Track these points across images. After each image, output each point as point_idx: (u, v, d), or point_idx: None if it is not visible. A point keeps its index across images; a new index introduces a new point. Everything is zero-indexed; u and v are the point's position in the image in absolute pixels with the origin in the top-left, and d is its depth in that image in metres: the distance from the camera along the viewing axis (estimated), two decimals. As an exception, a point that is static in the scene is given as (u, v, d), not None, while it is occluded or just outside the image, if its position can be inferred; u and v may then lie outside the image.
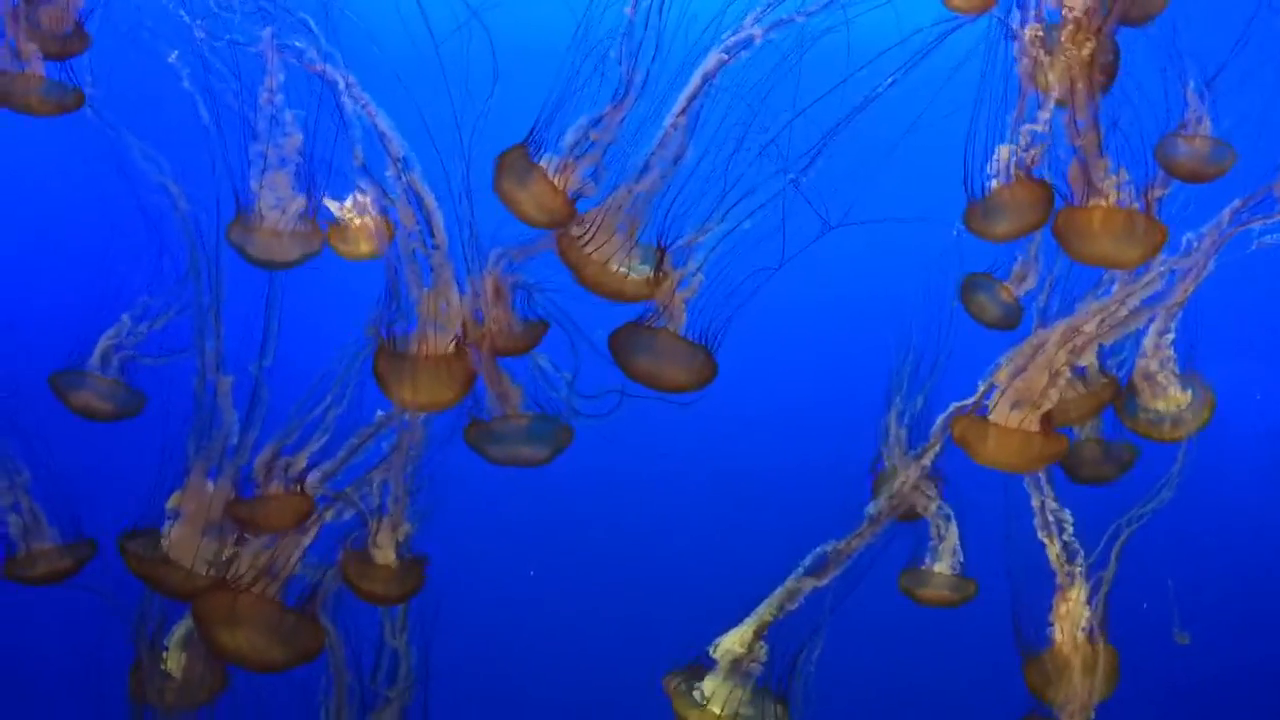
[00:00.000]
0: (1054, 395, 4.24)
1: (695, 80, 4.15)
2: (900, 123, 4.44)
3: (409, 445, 4.48)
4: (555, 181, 4.10)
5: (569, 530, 6.22)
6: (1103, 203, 4.11)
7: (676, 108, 4.16)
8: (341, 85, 4.18)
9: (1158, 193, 4.24)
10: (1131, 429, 4.62)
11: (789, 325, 5.49)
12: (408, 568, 4.57)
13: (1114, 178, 4.11)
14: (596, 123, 4.12)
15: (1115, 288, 4.41)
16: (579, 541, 6.22)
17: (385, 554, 4.52)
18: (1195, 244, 4.44)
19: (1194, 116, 4.38)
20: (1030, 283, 4.68)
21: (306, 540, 4.39)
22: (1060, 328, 4.35)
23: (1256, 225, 4.45)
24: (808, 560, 4.51)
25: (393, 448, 4.50)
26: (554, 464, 4.48)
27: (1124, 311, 4.37)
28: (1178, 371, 4.57)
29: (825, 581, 4.48)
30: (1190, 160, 4.37)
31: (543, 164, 4.10)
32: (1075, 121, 4.11)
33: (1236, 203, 4.44)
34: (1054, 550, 4.55)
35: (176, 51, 4.22)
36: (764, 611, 4.45)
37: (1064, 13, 4.12)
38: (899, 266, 4.91)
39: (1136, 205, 4.13)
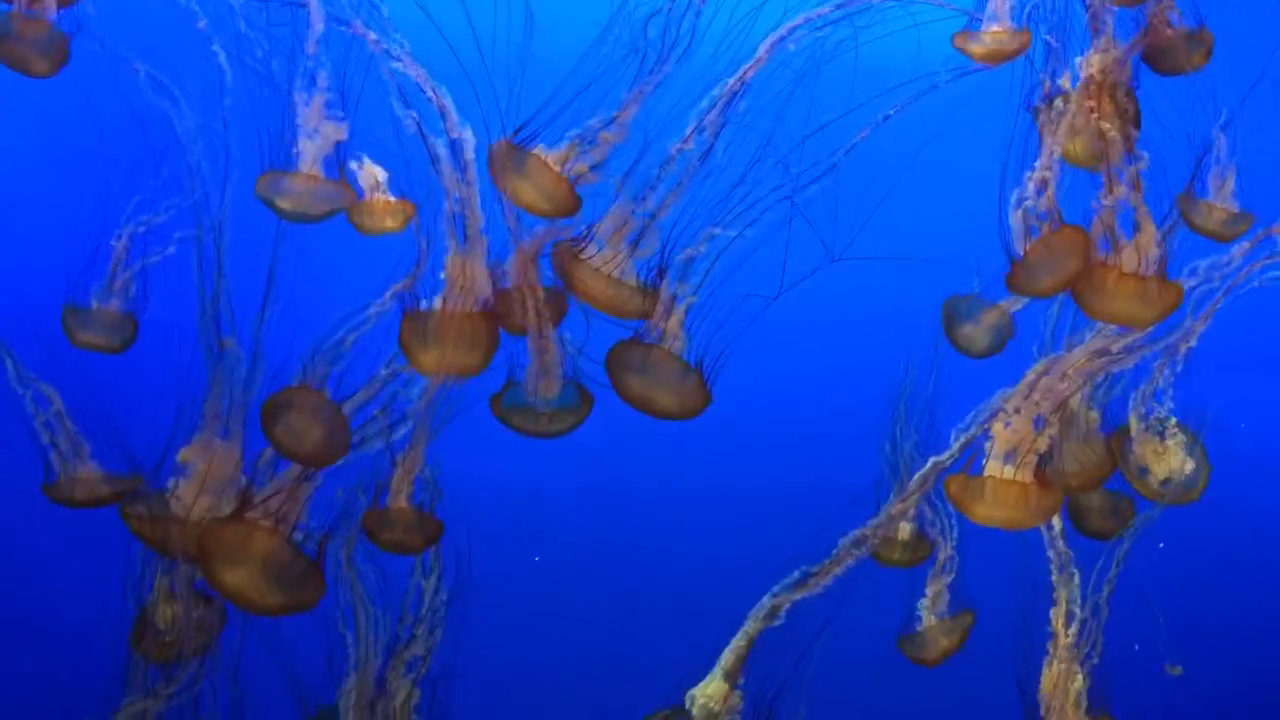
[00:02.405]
0: (1044, 443, 4.19)
1: (727, 88, 4.12)
2: (920, 158, 4.41)
3: (431, 391, 4.43)
4: (556, 167, 4.06)
5: (572, 523, 6.22)
6: (1119, 262, 4.06)
7: (691, 126, 4.14)
8: (371, 40, 4.14)
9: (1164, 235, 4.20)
10: (1129, 482, 4.57)
11: (789, 350, 5.46)
12: (425, 514, 4.52)
13: (1144, 234, 4.07)
14: (609, 123, 4.10)
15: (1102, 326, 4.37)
16: (582, 534, 6.23)
17: (401, 499, 4.46)
18: (1199, 280, 4.41)
19: (1216, 176, 4.32)
20: (1020, 302, 4.65)
21: (314, 484, 4.33)
22: (1053, 368, 4.29)
23: (1257, 267, 4.42)
24: (768, 596, 4.48)
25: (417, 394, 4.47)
26: (557, 468, 4.44)
27: (1117, 347, 4.33)
28: (1176, 431, 4.51)
29: (795, 597, 4.44)
30: (1211, 226, 4.33)
31: (539, 150, 4.06)
32: (1116, 174, 4.06)
33: (1245, 244, 4.40)
34: (1060, 609, 4.52)
35: (205, 20, 4.19)
36: (729, 656, 4.42)
37: (1080, 69, 4.10)
38: (902, 296, 4.89)
39: (1152, 268, 4.08)
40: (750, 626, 4.44)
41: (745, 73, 4.10)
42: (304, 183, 4.16)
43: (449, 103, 4.13)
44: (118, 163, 4.54)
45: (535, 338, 4.24)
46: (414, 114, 4.11)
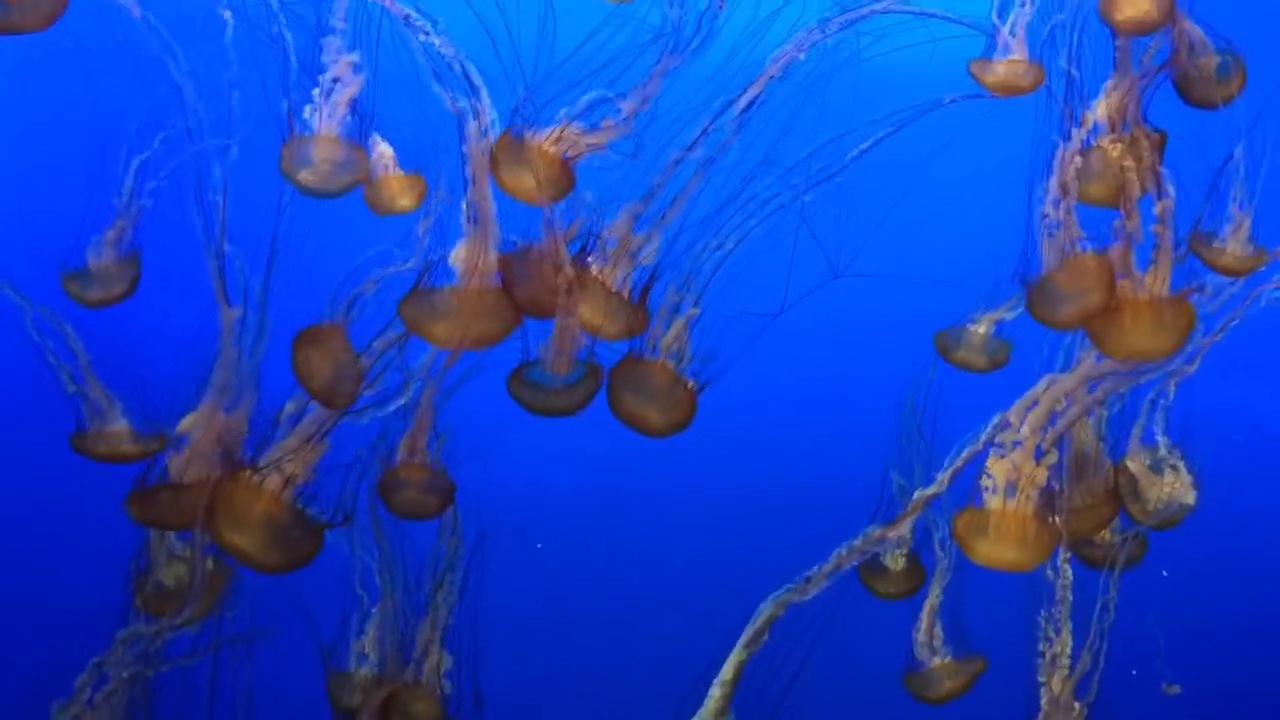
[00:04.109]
0: (1044, 474, 4.12)
1: (736, 103, 4.08)
2: (927, 174, 4.37)
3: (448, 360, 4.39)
4: (550, 151, 4.03)
5: (575, 525, 6.25)
6: (1129, 297, 4.02)
7: (696, 136, 4.11)
8: (401, 14, 4.08)
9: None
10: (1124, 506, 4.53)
11: (791, 364, 5.43)
12: (438, 472, 4.50)
13: (1161, 269, 4.01)
14: (607, 100, 4.06)
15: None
16: (584, 535, 6.26)
17: (411, 459, 4.45)
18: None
19: (1235, 218, 4.27)
20: (1003, 311, 4.62)
21: (323, 448, 4.27)
22: (1052, 389, 4.22)
23: (1270, 287, 4.38)
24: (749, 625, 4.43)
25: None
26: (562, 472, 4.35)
27: (1109, 367, 4.27)
28: (1179, 464, 4.47)
29: (775, 616, 4.40)
30: (1229, 263, 4.28)
31: (530, 138, 4.03)
32: (1136, 208, 4.01)
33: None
34: (1060, 648, 4.48)
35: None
36: (717, 691, 4.36)
37: (1098, 109, 4.05)
38: (906, 312, 4.86)
39: (1162, 294, 4.03)
40: (736, 655, 4.38)
41: (753, 88, 4.06)
42: (324, 150, 4.14)
43: (479, 79, 4.09)
44: (120, 120, 4.49)
45: (563, 316, 4.17)
46: (454, 98, 4.09)
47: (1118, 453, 4.50)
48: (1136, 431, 4.49)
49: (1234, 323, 4.42)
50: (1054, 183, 4.00)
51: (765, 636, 4.35)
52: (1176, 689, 5.02)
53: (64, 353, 4.53)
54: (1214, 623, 6.10)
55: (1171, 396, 4.50)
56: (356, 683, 4.59)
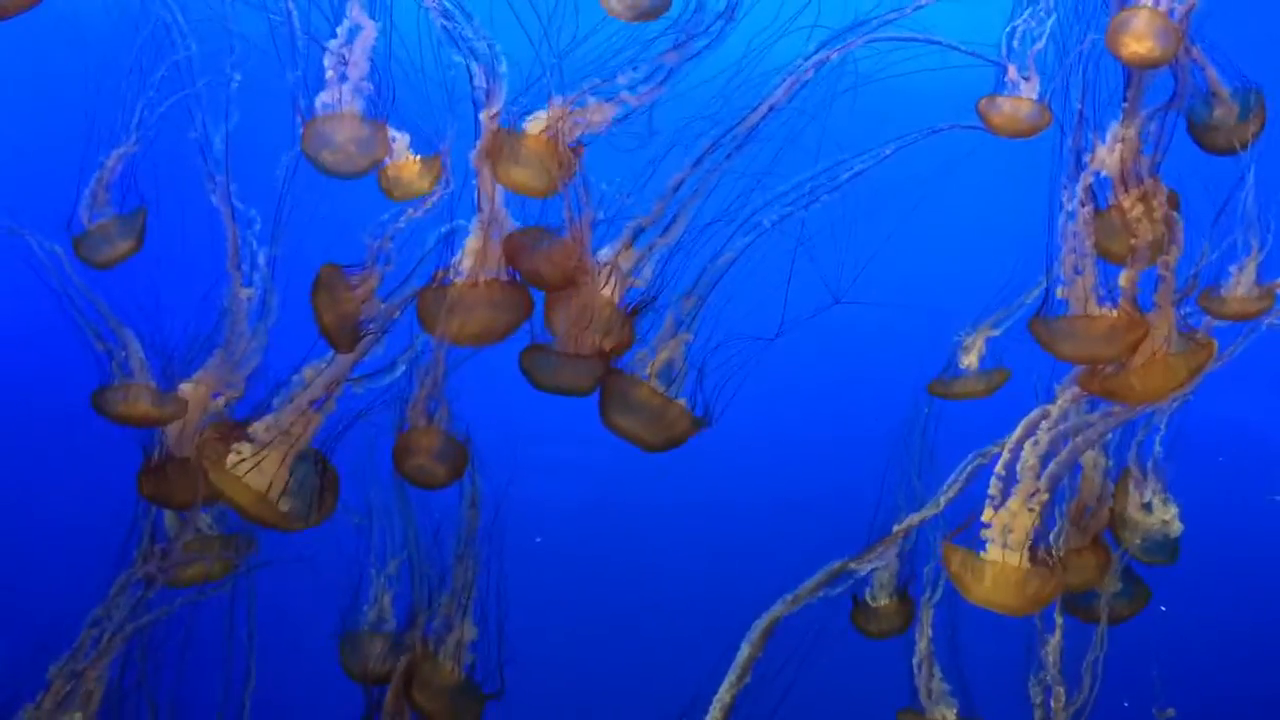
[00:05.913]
0: (1035, 521, 4.07)
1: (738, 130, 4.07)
2: (931, 199, 4.35)
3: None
4: (547, 139, 4.01)
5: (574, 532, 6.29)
6: (1138, 360, 3.99)
7: (696, 157, 4.10)
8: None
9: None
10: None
11: (788, 388, 5.42)
12: (449, 437, 4.48)
13: (1164, 318, 3.99)
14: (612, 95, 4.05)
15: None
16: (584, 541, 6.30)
17: (420, 425, 4.43)
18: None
19: (1243, 263, 4.24)
20: (986, 331, 4.62)
21: (326, 412, 4.28)
22: (1040, 423, 4.18)
23: (1276, 316, 4.36)
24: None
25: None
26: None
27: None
28: (1159, 492, 4.47)
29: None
30: (1234, 311, 4.26)
31: (529, 129, 4.02)
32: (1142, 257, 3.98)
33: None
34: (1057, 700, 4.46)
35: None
36: None
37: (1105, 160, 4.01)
38: (905, 339, 4.86)
39: (1173, 345, 4.00)
40: (720, 697, 4.35)
41: (757, 115, 4.04)
42: (346, 129, 4.11)
43: (503, 65, 4.06)
44: (125, 78, 4.48)
45: (583, 293, 4.14)
46: (481, 71, 4.06)
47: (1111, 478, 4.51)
48: (1131, 461, 4.48)
49: (1235, 351, 4.42)
50: (1069, 227, 3.97)
51: (748, 677, 4.33)
52: (1171, 713, 5.01)
53: (87, 307, 4.51)
54: (1206, 647, 6.11)
55: (1165, 425, 4.50)
56: (374, 652, 4.59)
